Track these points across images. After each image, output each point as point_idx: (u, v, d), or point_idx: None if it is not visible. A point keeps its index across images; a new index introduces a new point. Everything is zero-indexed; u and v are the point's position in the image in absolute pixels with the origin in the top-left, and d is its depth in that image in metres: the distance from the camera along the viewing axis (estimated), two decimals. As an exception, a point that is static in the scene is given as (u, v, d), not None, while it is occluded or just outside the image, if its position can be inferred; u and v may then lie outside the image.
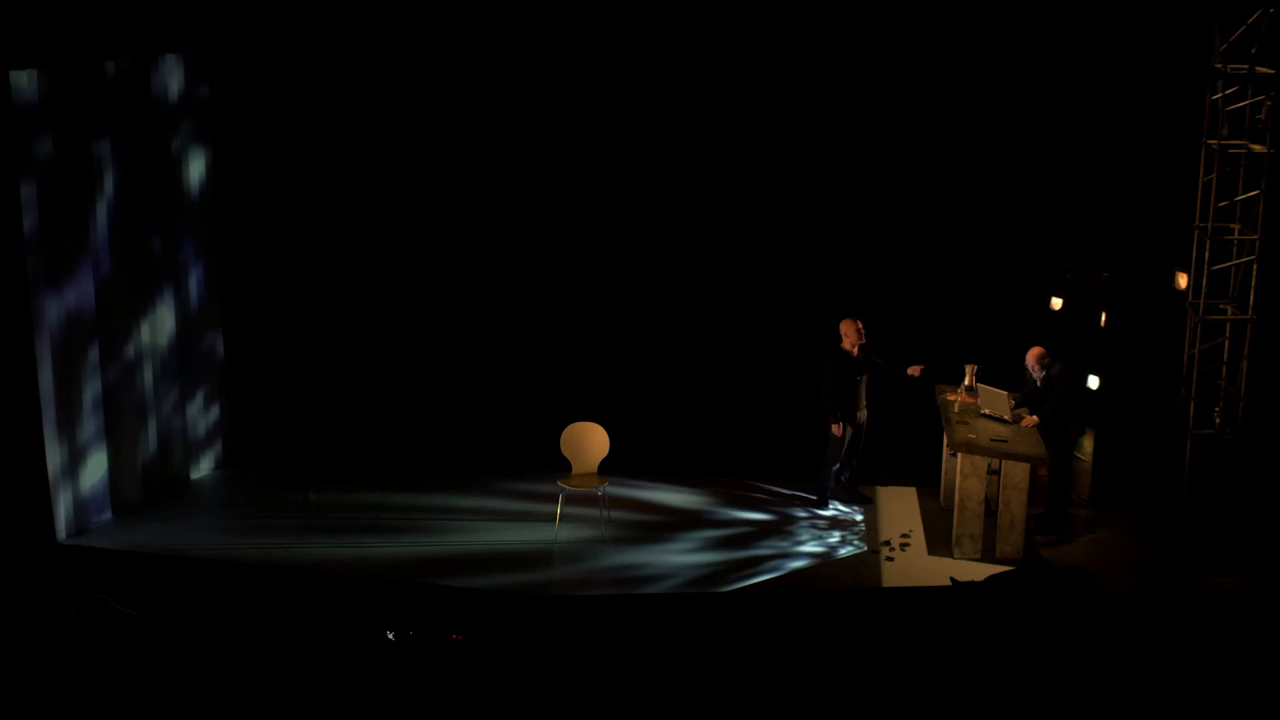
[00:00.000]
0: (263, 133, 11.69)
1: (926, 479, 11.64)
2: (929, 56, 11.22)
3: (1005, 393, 10.84)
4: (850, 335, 10.98)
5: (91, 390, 10.59)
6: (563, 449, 10.83)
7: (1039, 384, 10.64)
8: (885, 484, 11.75)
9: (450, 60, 11.62)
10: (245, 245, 11.92)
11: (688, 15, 11.36)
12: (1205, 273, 9.67)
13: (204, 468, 11.98)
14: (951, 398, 11.03)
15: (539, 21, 11.41)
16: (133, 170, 10.85)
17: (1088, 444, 11.06)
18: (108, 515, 10.80)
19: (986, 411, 10.76)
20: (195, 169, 11.55)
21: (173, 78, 11.16)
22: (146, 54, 10.87)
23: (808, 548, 10.65)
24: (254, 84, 11.59)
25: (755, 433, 12.04)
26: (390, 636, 8.44)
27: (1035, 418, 10.49)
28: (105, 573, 9.67)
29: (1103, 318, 11.21)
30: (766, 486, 11.80)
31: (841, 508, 11.32)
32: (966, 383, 10.99)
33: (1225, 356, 9.83)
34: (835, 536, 10.84)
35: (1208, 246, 9.66)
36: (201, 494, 11.65)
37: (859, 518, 11.16)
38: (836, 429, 11.04)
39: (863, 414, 11.20)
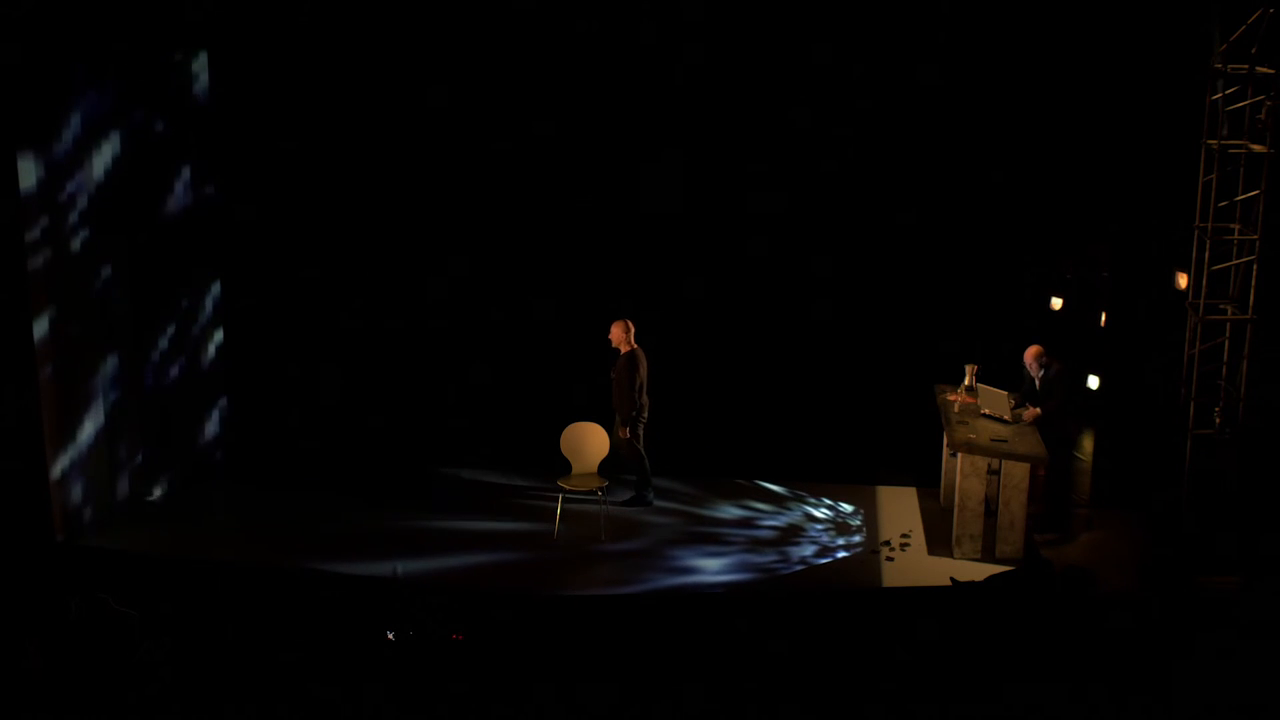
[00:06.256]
0: (258, 134, 11.70)
1: (926, 479, 11.65)
2: (930, 55, 11.20)
3: (1005, 393, 10.84)
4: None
5: (92, 390, 10.59)
6: (563, 449, 10.83)
7: (1037, 383, 10.65)
8: (885, 484, 11.77)
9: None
10: (248, 255, 11.94)
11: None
12: (1205, 273, 9.67)
13: (204, 469, 11.97)
14: (951, 398, 11.03)
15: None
16: (137, 172, 10.88)
17: (1088, 444, 11.06)
18: (108, 514, 10.81)
19: (986, 411, 10.77)
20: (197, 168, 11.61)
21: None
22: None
23: (807, 547, 10.67)
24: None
25: (754, 432, 12.05)
26: (390, 636, 8.44)
27: (1037, 410, 10.51)
28: (105, 573, 9.67)
29: (1103, 318, 11.21)
30: (764, 485, 11.84)
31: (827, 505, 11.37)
32: (966, 383, 11.01)
33: (1225, 356, 9.83)
34: (835, 538, 10.87)
35: (1208, 246, 9.66)
36: (201, 495, 11.64)
37: (859, 519, 11.20)
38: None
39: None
